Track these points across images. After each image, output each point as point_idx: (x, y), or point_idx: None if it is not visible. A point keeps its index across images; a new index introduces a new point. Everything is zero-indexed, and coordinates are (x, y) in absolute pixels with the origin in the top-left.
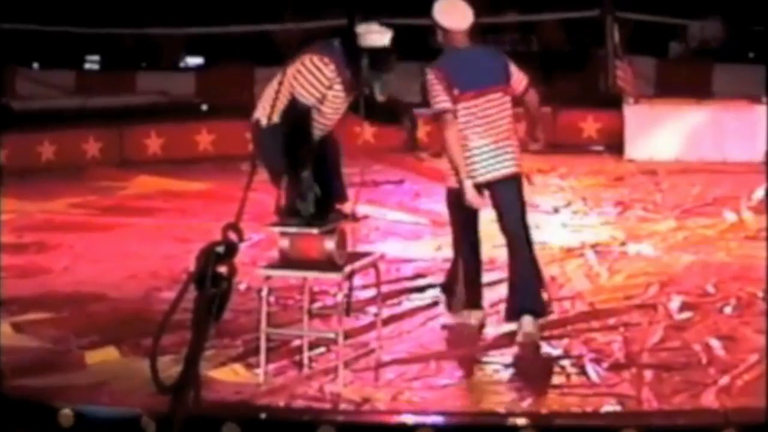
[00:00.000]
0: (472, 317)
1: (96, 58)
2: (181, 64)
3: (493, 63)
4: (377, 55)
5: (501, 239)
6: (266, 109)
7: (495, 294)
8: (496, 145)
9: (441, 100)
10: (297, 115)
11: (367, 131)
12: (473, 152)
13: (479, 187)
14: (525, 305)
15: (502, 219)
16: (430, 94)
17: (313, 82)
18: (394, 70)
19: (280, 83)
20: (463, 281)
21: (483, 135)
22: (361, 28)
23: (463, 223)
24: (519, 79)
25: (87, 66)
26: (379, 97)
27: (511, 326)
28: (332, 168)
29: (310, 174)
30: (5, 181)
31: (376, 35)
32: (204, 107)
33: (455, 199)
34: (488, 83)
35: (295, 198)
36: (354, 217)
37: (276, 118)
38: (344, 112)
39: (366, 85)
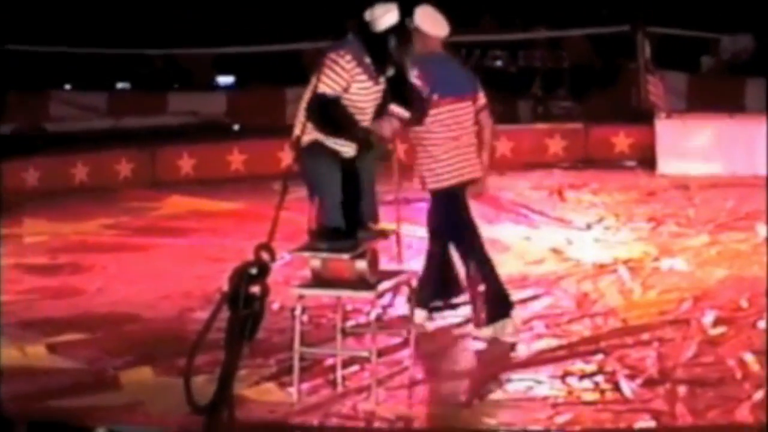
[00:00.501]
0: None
1: (127, 79)
2: (212, 84)
3: (467, 72)
4: (397, 32)
5: (533, 256)
6: (302, 123)
7: (528, 311)
8: (464, 150)
9: None
10: (327, 100)
11: (399, 148)
12: (443, 156)
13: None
14: (502, 310)
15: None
16: None
17: (332, 76)
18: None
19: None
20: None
21: (454, 140)
22: (369, 14)
23: (453, 224)
24: (482, 95)
25: (119, 87)
26: (410, 73)
27: (543, 343)
28: (364, 186)
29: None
30: (39, 203)
31: (387, 15)
32: (236, 127)
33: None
34: (464, 91)
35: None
36: (383, 233)
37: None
38: (379, 104)
39: (399, 64)
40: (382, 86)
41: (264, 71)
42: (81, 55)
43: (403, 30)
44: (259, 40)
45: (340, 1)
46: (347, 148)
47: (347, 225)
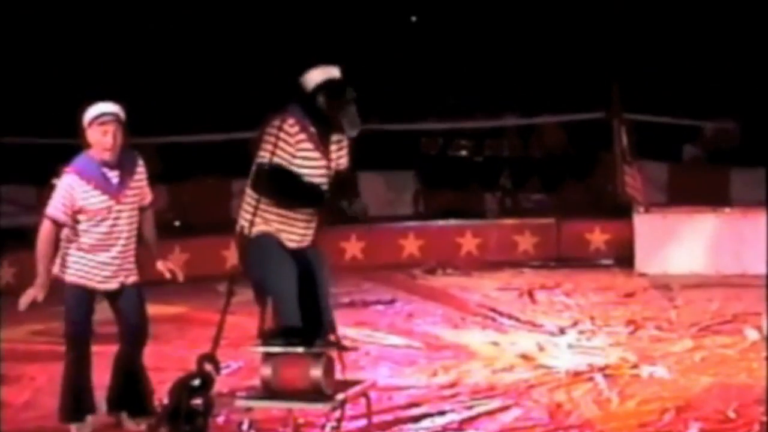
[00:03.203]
0: None
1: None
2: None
3: None
4: (332, 86)
5: (502, 363)
6: (248, 213)
7: (496, 424)
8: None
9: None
10: (272, 167)
11: (355, 246)
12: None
13: None
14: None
15: None
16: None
17: (276, 141)
18: (354, 102)
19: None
20: None
21: None
22: (306, 75)
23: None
24: None
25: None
26: (350, 133)
27: None
28: (320, 287)
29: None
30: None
31: (315, 72)
32: (177, 223)
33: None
34: None
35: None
36: (342, 347)
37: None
38: (323, 178)
39: (334, 123)
40: (328, 162)
41: (207, 161)
42: (8, 146)
43: (337, 88)
44: (202, 129)
45: (287, 87)
46: (300, 236)
47: (306, 329)
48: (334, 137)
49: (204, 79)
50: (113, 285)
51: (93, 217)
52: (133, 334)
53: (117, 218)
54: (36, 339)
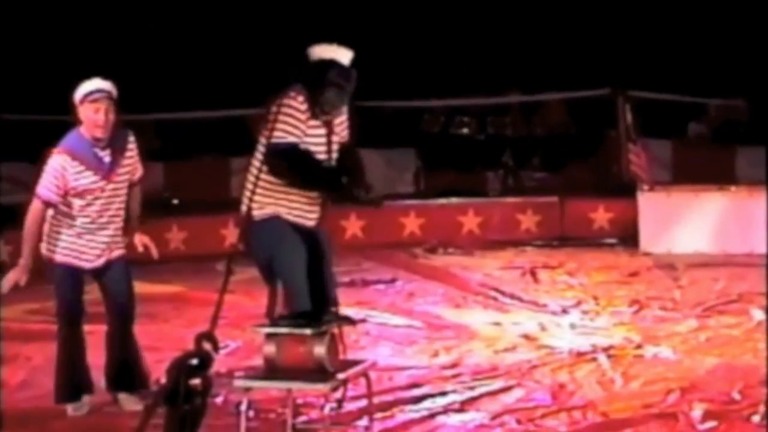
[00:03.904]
0: None
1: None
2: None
3: None
4: (334, 68)
5: (504, 343)
6: (255, 193)
7: (498, 404)
8: None
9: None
10: (290, 147)
11: (355, 225)
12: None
13: None
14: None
15: None
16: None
17: (290, 120)
18: (343, 89)
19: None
20: None
21: None
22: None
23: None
24: None
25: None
26: (323, 115)
27: None
28: (326, 267)
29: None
30: None
31: (327, 47)
32: (174, 201)
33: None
34: None
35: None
36: (350, 320)
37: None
38: (330, 153)
39: (317, 99)
40: (333, 137)
41: (206, 139)
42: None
43: (349, 70)
44: (200, 106)
45: (286, 64)
46: (307, 215)
47: (313, 307)
48: (344, 110)
49: (202, 55)
50: (100, 262)
51: (85, 197)
52: (119, 310)
53: (110, 197)
54: (32, 318)
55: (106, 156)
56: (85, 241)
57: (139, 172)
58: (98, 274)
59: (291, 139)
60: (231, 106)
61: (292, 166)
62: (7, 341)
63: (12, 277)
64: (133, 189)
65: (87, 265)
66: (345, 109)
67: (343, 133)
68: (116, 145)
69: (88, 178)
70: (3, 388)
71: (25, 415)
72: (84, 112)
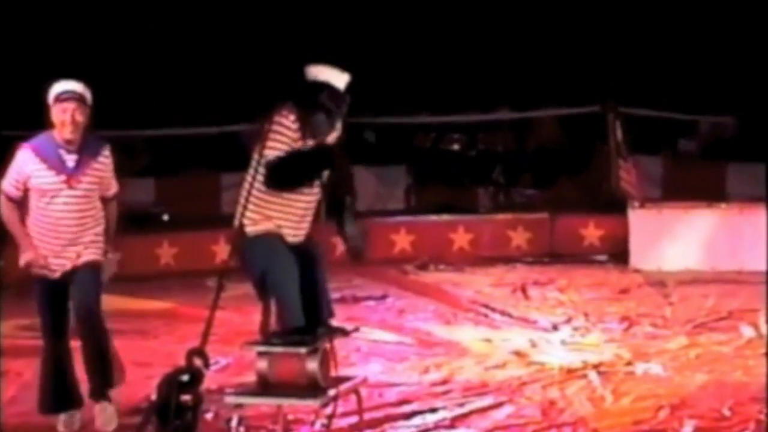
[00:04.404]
0: None
1: None
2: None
3: None
4: (328, 91)
5: (494, 360)
6: (248, 210)
7: (488, 421)
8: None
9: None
10: (282, 158)
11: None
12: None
13: None
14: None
15: None
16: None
17: (280, 138)
18: (344, 114)
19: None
20: None
21: None
22: (315, 66)
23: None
24: None
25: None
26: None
27: None
28: (319, 280)
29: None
30: None
31: (325, 68)
32: (165, 217)
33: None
34: None
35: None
36: (344, 331)
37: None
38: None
39: (316, 125)
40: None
41: (197, 155)
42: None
43: (342, 95)
44: (191, 122)
45: (278, 80)
46: (298, 230)
47: (307, 321)
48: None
49: (194, 72)
50: (66, 269)
51: (41, 196)
52: (80, 319)
53: (71, 202)
54: (22, 334)
55: (71, 160)
56: (48, 250)
57: (113, 188)
58: (69, 282)
59: (283, 155)
60: (222, 122)
61: (286, 168)
62: None
63: (25, 256)
64: (107, 205)
65: (55, 275)
66: (339, 126)
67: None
68: (86, 152)
69: (46, 177)
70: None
71: (14, 431)
72: (54, 112)
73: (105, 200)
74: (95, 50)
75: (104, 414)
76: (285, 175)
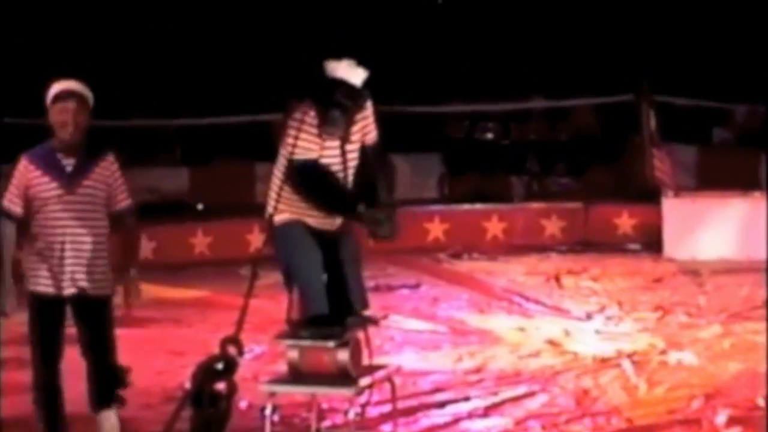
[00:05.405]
0: None
1: None
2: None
3: None
4: (350, 88)
5: (528, 349)
6: (273, 199)
7: (522, 410)
8: None
9: None
10: (310, 167)
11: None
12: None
13: None
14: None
15: None
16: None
17: (306, 137)
18: (361, 110)
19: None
20: None
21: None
22: (333, 63)
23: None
24: None
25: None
26: (326, 131)
27: None
28: (351, 271)
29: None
30: None
31: (349, 68)
32: (199, 206)
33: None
34: None
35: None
36: (373, 321)
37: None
38: (346, 162)
39: (330, 122)
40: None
41: (231, 144)
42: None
43: (358, 91)
44: (225, 111)
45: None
46: (325, 219)
47: (333, 311)
48: (359, 118)
49: (228, 61)
50: (67, 291)
51: (41, 206)
52: (88, 358)
53: (71, 212)
54: None
55: (69, 165)
56: (43, 262)
57: (124, 201)
58: (72, 307)
59: (311, 155)
60: (256, 111)
61: (312, 188)
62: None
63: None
64: (122, 222)
65: (50, 291)
66: (370, 109)
67: (367, 136)
68: (85, 156)
69: (44, 184)
70: (27, 393)
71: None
72: (53, 113)
73: (118, 215)
74: (129, 40)
75: (108, 423)
76: (306, 190)
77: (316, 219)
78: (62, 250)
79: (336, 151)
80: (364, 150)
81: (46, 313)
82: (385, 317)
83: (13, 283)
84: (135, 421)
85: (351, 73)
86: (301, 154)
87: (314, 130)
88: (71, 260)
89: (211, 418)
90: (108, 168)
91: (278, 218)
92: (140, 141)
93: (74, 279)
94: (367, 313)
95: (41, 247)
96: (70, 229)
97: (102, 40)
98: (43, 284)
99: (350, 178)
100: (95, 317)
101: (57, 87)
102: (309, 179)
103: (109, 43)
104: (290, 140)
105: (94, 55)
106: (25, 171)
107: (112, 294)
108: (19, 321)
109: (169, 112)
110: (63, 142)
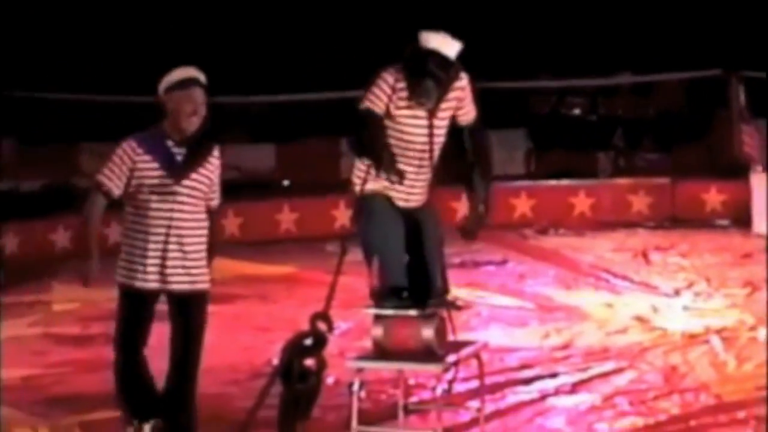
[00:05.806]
0: None
1: None
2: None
3: None
4: (435, 58)
5: (615, 325)
6: (358, 170)
7: (610, 386)
8: None
9: None
10: (365, 114)
11: (465, 206)
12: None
13: None
14: None
15: None
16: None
17: (375, 90)
18: (453, 83)
19: None
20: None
21: None
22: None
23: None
24: None
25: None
26: (417, 100)
27: (627, 422)
28: (433, 254)
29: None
30: (70, 267)
31: (444, 40)
32: (285, 183)
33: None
34: None
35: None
36: (455, 305)
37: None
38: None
39: (413, 87)
40: (434, 120)
41: (317, 121)
42: (113, 104)
43: (450, 62)
44: (312, 88)
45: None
46: (407, 194)
47: (415, 289)
48: (451, 95)
49: (314, 38)
50: (170, 286)
51: (144, 193)
52: (173, 358)
53: (172, 200)
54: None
55: (179, 154)
56: (139, 252)
57: (216, 199)
58: (169, 302)
59: (370, 105)
60: (341, 87)
61: (356, 128)
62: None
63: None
64: (209, 218)
65: (138, 285)
66: (467, 86)
67: (464, 115)
68: (196, 148)
69: (152, 171)
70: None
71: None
72: (175, 101)
73: (208, 212)
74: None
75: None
76: (353, 133)
77: (396, 192)
78: (166, 243)
79: (423, 124)
80: (461, 132)
81: (140, 310)
82: (467, 307)
83: (98, 257)
84: (222, 396)
85: (445, 44)
86: (362, 102)
87: (403, 103)
88: (174, 254)
89: (300, 394)
90: (214, 162)
91: (362, 189)
92: (226, 119)
93: (175, 274)
94: (449, 297)
95: (139, 236)
96: (175, 221)
97: (179, 17)
98: (140, 279)
99: (436, 155)
100: (191, 316)
101: (180, 73)
102: (357, 119)
103: (188, 19)
104: (372, 99)
105: (184, 31)
106: (133, 153)
107: (209, 289)
108: (107, 297)
109: (255, 88)
110: (182, 131)
